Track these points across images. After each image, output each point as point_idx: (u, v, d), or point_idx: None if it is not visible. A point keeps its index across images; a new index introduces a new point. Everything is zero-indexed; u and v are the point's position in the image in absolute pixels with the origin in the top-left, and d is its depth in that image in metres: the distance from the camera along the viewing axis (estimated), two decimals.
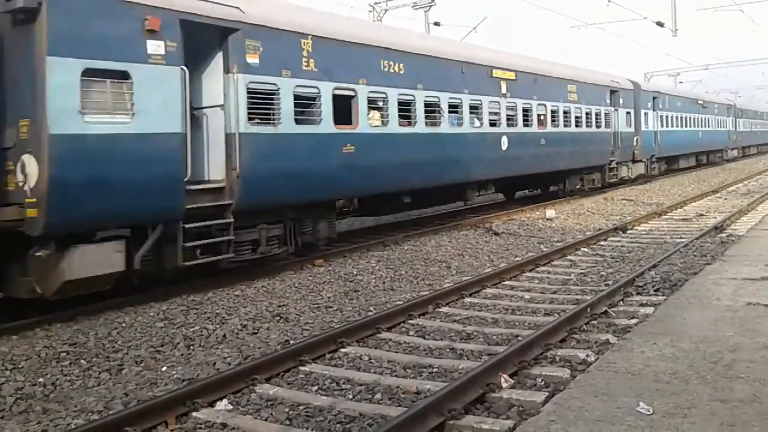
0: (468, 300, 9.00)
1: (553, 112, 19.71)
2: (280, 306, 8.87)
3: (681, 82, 54.21)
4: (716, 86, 57.46)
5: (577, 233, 14.89)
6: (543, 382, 5.77)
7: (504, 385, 5.57)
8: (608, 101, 23.95)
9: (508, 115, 17.24)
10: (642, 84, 27.91)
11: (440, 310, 8.47)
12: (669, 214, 18.21)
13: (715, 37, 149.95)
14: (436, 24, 28.56)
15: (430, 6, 27.46)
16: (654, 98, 29.19)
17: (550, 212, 17.97)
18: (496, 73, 16.95)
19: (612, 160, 24.20)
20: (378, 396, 5.67)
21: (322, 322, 8.14)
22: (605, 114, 23.48)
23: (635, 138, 26.21)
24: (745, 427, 3.83)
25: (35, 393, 6.03)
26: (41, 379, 6.31)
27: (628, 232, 14.94)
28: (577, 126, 21.22)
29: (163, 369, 6.64)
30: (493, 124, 16.63)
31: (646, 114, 27.80)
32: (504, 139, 16.87)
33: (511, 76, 17.47)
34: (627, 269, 10.64)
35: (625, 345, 5.50)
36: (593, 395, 4.40)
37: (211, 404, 5.53)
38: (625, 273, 10.21)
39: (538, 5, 48.22)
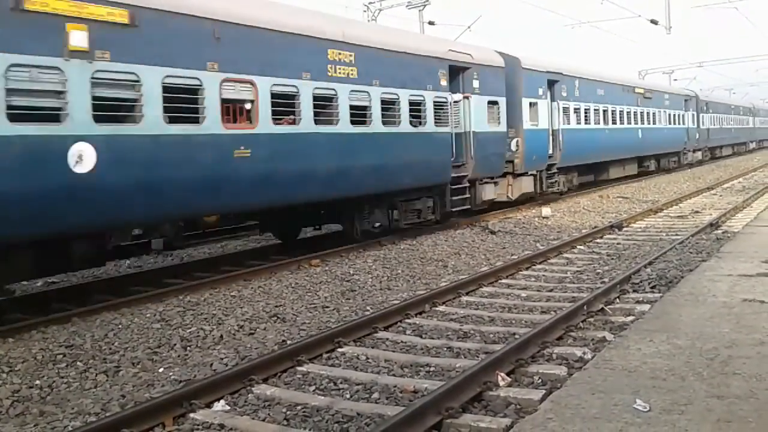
0: (465, 299, 9.01)
1: (279, 96, 10.79)
2: (276, 306, 8.87)
3: (675, 80, 54.30)
4: (710, 83, 57.74)
5: (573, 231, 14.93)
6: (540, 380, 5.79)
7: (501, 383, 5.57)
8: (445, 83, 14.99)
9: (99, 101, 8.27)
10: (525, 60, 18.80)
11: (437, 309, 8.48)
12: (664, 211, 18.27)
13: (709, 34, 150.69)
14: (431, 23, 28.63)
15: (424, 5, 27.54)
16: (551, 83, 20.29)
17: (546, 210, 18.02)
18: (36, 3, 7.61)
19: (461, 176, 15.48)
20: (375, 395, 5.67)
21: (319, 322, 8.14)
22: (437, 103, 14.60)
23: (514, 141, 17.97)
24: (742, 424, 3.84)
25: (32, 395, 6.02)
26: (38, 382, 6.29)
27: (624, 229, 14.97)
28: (357, 123, 12.43)
29: (160, 370, 6.63)
30: (16, 117, 7.49)
31: (533, 105, 19.15)
32: (79, 150, 8.00)
33: (112, 15, 8.42)
34: (623, 267, 10.67)
35: (622, 342, 5.51)
36: (590, 392, 4.41)
37: (209, 405, 5.53)
38: (621, 270, 10.23)
39: (532, 4, 48.09)
